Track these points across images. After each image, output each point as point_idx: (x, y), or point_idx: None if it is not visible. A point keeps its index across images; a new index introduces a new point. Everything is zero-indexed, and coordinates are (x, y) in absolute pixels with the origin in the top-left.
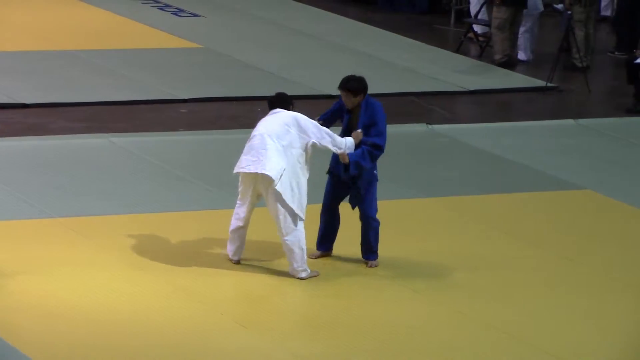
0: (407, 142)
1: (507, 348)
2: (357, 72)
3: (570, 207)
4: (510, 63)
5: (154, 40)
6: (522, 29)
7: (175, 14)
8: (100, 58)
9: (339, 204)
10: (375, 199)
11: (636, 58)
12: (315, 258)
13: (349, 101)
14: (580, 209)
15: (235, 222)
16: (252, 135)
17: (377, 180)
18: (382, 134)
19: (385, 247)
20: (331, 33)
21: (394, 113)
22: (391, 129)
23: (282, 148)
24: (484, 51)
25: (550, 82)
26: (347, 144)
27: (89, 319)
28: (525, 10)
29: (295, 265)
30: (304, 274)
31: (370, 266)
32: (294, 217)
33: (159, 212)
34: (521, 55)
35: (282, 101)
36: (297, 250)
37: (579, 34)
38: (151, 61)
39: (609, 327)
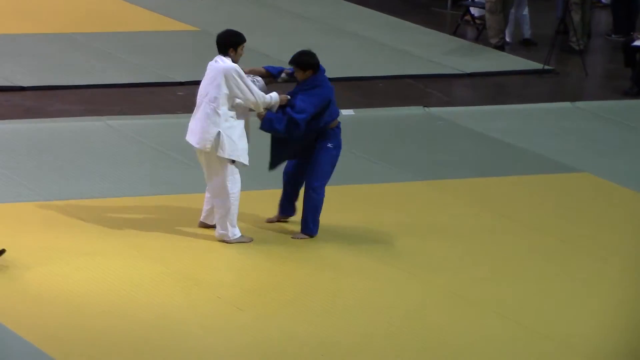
0: (404, 125)
1: (502, 329)
2: (355, 55)
3: (567, 190)
4: (503, 46)
5: (151, 23)
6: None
7: None
8: (97, 41)
9: (299, 170)
10: (327, 172)
11: (633, 40)
12: (270, 222)
13: (299, 74)
14: (577, 192)
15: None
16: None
17: (334, 153)
18: (304, 112)
19: (381, 230)
20: (328, 16)
21: (391, 96)
22: (388, 112)
23: (215, 112)
24: (480, 34)
25: (547, 65)
26: (271, 100)
27: (85, 305)
28: None
29: (222, 230)
30: (233, 238)
31: (296, 237)
32: (232, 177)
33: (156, 194)
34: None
35: (222, 46)
36: (226, 212)
37: (576, 16)
38: (148, 44)
39: (602, 309)
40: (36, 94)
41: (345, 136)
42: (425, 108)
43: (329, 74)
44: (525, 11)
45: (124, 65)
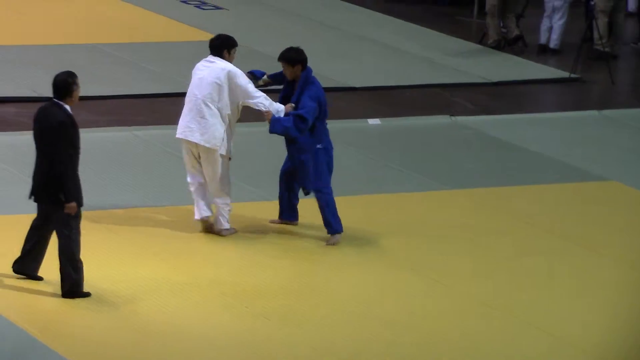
0: (431, 134)
1: (530, 337)
2: (381, 65)
3: (595, 199)
4: (500, 47)
5: (177, 33)
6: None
7: (198, 6)
8: (123, 51)
9: (293, 176)
10: (324, 171)
11: None
12: (273, 222)
13: (288, 71)
14: (605, 200)
15: (192, 187)
16: (188, 95)
17: (323, 154)
18: (307, 107)
19: (406, 238)
20: (353, 24)
21: (417, 105)
22: (414, 121)
23: (217, 111)
24: (507, 43)
25: (574, 74)
26: (276, 108)
27: (112, 313)
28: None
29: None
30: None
31: (328, 243)
32: (227, 178)
33: (182, 204)
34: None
35: (217, 48)
36: (226, 208)
37: (601, 22)
38: (174, 54)
39: (631, 319)
40: None
41: (372, 145)
42: (452, 117)
43: (354, 82)
44: (561, 20)
45: (150, 76)
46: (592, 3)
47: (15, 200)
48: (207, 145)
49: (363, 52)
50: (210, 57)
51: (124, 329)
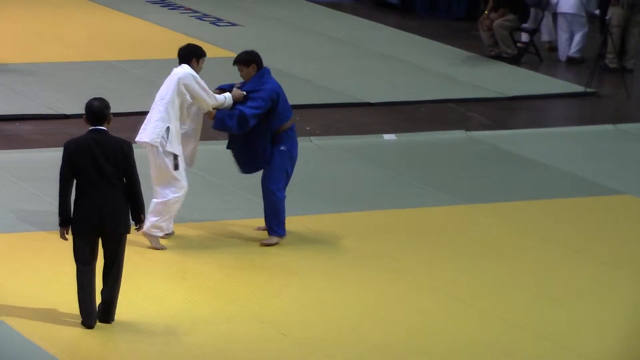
0: (446, 149)
1: (546, 351)
2: (396, 80)
3: (610, 213)
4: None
5: None
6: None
7: (214, 23)
8: (140, 68)
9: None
10: (282, 174)
11: None
12: (260, 229)
13: (243, 73)
14: (621, 215)
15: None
16: None
17: (289, 156)
18: (255, 108)
19: (423, 253)
20: (369, 41)
21: (433, 120)
22: (430, 136)
23: (165, 106)
24: (522, 57)
25: (589, 88)
26: (225, 100)
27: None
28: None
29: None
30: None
31: (263, 244)
32: (173, 176)
33: (199, 221)
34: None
35: (183, 57)
36: (162, 209)
37: (616, 37)
38: None
39: None
40: (79, 122)
41: (387, 160)
42: (467, 132)
43: (371, 98)
44: (581, 30)
45: None
46: (608, 17)
47: (32, 216)
48: (147, 140)
49: (379, 68)
50: (176, 67)
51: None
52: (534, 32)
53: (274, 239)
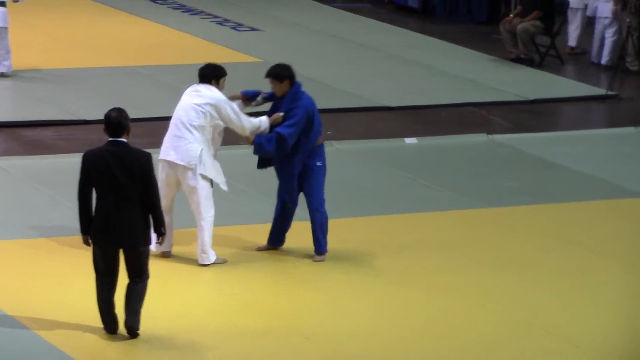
0: (468, 153)
1: (575, 357)
2: (417, 84)
3: (632, 215)
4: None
5: (214, 55)
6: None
7: (234, 28)
8: (160, 73)
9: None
10: (323, 190)
11: None
12: (260, 250)
13: (276, 88)
14: None
15: None
16: (172, 120)
17: (323, 171)
18: (291, 126)
19: (446, 257)
20: (391, 45)
21: (454, 124)
22: (451, 140)
23: (198, 134)
24: (544, 60)
25: (611, 91)
26: (260, 124)
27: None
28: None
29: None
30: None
31: (315, 260)
32: (210, 199)
33: (223, 225)
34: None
35: (206, 77)
36: (209, 233)
37: (634, 38)
38: None
39: None
40: (100, 128)
41: (409, 164)
42: (489, 135)
43: (392, 102)
44: (613, 36)
45: None
46: (629, 21)
47: (53, 221)
48: (181, 163)
49: (400, 72)
50: (198, 86)
51: None
52: (555, 35)
53: (322, 256)
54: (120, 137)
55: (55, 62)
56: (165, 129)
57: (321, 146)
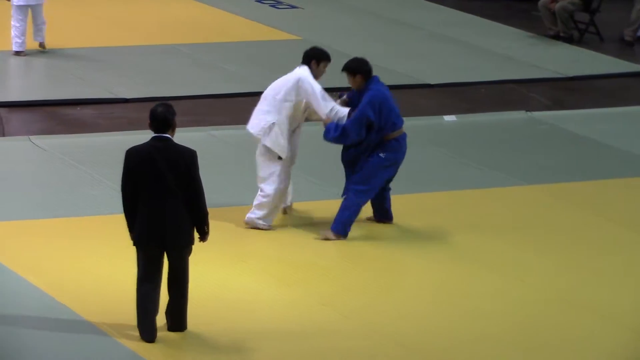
0: (507, 130)
1: (603, 330)
2: (456, 61)
3: None
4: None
5: (253, 33)
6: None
7: (274, 6)
8: (199, 51)
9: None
10: (368, 180)
11: None
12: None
13: (351, 81)
14: None
15: None
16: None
17: (385, 165)
18: (353, 121)
19: (484, 234)
20: (429, 22)
21: (493, 101)
22: (490, 117)
23: (276, 103)
24: (583, 37)
25: None
26: (337, 112)
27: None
28: None
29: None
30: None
31: (323, 237)
32: (272, 175)
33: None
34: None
35: (304, 58)
36: (264, 200)
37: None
38: (250, 54)
39: None
40: (139, 106)
41: (448, 142)
42: (528, 112)
43: (431, 80)
44: None
45: (226, 76)
46: None
47: (93, 200)
48: (251, 131)
49: (439, 49)
50: (298, 66)
51: None
52: (594, 12)
53: (331, 235)
54: (165, 133)
55: (94, 41)
56: (204, 107)
57: (394, 140)
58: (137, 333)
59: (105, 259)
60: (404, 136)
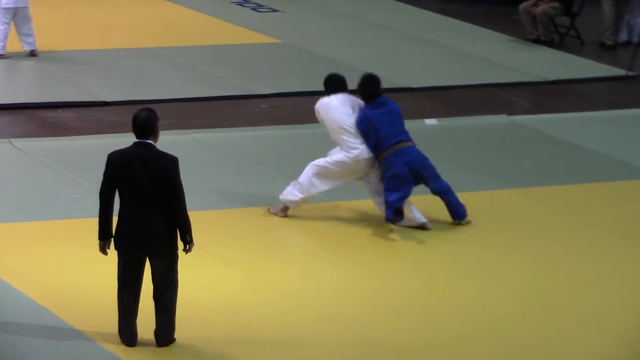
0: (488, 134)
1: (585, 334)
2: (438, 64)
3: None
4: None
5: (234, 36)
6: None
7: (255, 9)
8: (180, 55)
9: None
10: (385, 186)
11: None
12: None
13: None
14: None
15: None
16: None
17: (389, 170)
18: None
19: (464, 237)
20: (410, 26)
21: (475, 105)
22: (471, 121)
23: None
24: (564, 40)
25: (631, 71)
26: None
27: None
28: None
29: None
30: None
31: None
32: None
33: (242, 207)
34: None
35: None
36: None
37: (608, 10)
38: (231, 57)
39: None
40: (120, 109)
41: (429, 145)
42: (509, 116)
43: (412, 83)
44: (627, 17)
45: (207, 79)
46: None
47: (73, 203)
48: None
49: (421, 53)
50: (357, 98)
51: None
52: (575, 15)
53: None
54: (147, 139)
55: (75, 44)
56: (186, 110)
57: (389, 156)
58: (118, 338)
59: (86, 262)
60: (399, 151)
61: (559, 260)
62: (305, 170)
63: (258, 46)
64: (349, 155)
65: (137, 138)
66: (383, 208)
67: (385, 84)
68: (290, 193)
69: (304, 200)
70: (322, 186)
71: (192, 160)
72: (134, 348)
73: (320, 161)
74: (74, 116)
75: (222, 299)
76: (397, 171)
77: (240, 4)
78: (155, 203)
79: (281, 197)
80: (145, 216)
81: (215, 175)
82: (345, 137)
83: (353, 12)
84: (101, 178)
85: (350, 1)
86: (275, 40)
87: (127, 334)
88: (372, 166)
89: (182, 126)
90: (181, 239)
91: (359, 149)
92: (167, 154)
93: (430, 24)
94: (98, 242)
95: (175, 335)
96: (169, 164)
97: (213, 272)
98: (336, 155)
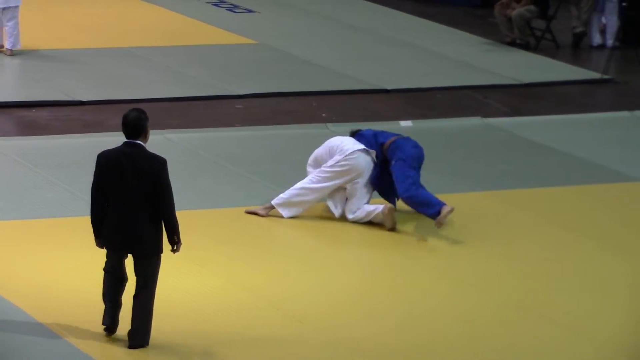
0: (462, 136)
1: (563, 340)
2: (413, 66)
3: (628, 200)
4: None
5: (209, 37)
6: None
7: (230, 10)
8: (155, 55)
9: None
10: (403, 177)
11: None
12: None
13: None
14: (638, 201)
15: None
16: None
17: (401, 159)
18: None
19: (440, 241)
20: (386, 27)
21: (449, 107)
22: (446, 123)
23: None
24: (539, 43)
25: (605, 74)
26: None
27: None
28: None
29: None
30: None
31: (438, 224)
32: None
33: (215, 207)
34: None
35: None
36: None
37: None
38: (206, 57)
39: None
40: (95, 109)
41: None
42: (483, 119)
43: (387, 85)
44: (604, 19)
45: (182, 79)
46: (624, 5)
47: (48, 203)
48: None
49: (396, 54)
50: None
51: None
52: (550, 18)
53: (445, 211)
54: (137, 139)
55: (50, 43)
56: (160, 110)
57: (387, 150)
58: (92, 336)
59: (59, 262)
60: (397, 141)
61: (533, 263)
62: (294, 186)
63: (233, 47)
64: (344, 153)
65: (126, 138)
66: (357, 212)
67: (360, 85)
68: (286, 209)
69: (297, 213)
70: (313, 194)
71: (168, 161)
72: (106, 347)
73: (311, 175)
74: (48, 115)
75: (195, 299)
76: (406, 154)
77: (216, 5)
78: (142, 203)
79: (274, 202)
80: (131, 216)
81: (189, 175)
82: (337, 143)
83: (329, 13)
84: (76, 178)
85: (327, 2)
86: (250, 41)
87: (108, 318)
88: (367, 168)
89: (156, 126)
90: (169, 240)
91: (353, 148)
92: (156, 155)
93: (406, 25)
94: (95, 241)
95: (154, 335)
96: (158, 165)
97: (187, 273)
98: (329, 161)
